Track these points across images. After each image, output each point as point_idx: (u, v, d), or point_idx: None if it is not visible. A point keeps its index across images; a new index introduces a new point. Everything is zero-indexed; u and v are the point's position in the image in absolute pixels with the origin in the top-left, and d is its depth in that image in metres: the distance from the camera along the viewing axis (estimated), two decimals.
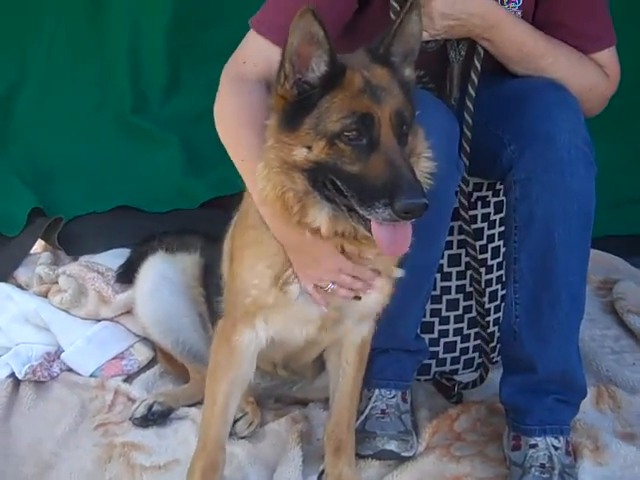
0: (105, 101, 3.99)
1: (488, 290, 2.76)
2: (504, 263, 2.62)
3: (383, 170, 1.87)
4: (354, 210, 1.91)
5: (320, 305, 2.14)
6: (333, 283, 2.10)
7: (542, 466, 2.25)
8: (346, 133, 1.90)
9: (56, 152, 3.91)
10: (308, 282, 2.12)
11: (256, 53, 2.23)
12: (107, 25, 3.94)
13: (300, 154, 1.94)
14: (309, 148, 1.93)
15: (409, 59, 2.06)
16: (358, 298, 2.14)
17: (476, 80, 2.38)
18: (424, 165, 2.05)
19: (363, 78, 1.94)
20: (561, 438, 2.31)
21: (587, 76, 2.40)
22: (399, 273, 2.19)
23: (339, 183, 1.91)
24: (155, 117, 4.00)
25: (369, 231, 1.91)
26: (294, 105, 1.96)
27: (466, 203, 2.51)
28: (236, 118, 2.19)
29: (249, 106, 2.16)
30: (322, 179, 1.93)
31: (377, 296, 2.18)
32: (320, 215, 1.99)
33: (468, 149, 2.39)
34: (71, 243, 3.54)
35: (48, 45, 3.92)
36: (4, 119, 3.90)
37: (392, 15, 2.29)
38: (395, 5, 2.28)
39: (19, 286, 3.26)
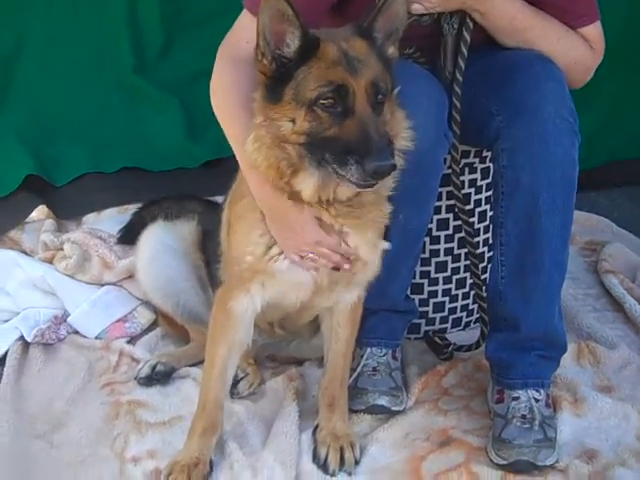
0: (105, 62, 4.02)
1: (476, 252, 2.83)
2: (491, 227, 2.71)
3: (355, 133, 1.97)
4: (334, 169, 2.00)
5: (310, 271, 2.23)
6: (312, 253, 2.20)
7: (523, 417, 2.34)
8: (322, 101, 2.00)
9: (58, 112, 3.96)
10: (290, 252, 2.21)
11: (249, 32, 2.30)
12: None
13: (287, 127, 2.03)
14: (293, 121, 2.02)
15: (392, 38, 2.13)
16: (337, 269, 2.23)
17: (465, 52, 2.43)
18: (401, 144, 2.13)
19: (339, 49, 2.03)
20: (542, 391, 2.39)
21: (573, 49, 2.45)
22: (384, 245, 2.28)
23: (325, 153, 2.00)
24: (154, 78, 4.05)
25: (357, 186, 2.00)
26: (274, 79, 2.06)
27: (458, 170, 2.58)
28: (229, 94, 2.27)
29: (241, 83, 2.23)
30: (315, 152, 2.02)
31: (366, 267, 2.27)
32: (308, 180, 2.08)
33: (459, 119, 2.45)
34: (70, 204, 3.64)
35: (48, 7, 3.95)
36: (6, 80, 3.94)
37: None
38: None
39: (24, 252, 3.33)
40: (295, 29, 2.02)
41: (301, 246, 2.20)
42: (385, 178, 2.01)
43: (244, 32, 2.29)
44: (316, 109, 2.01)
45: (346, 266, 2.22)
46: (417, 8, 2.34)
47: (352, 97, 2.00)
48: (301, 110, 2.01)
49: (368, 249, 2.24)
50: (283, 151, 2.06)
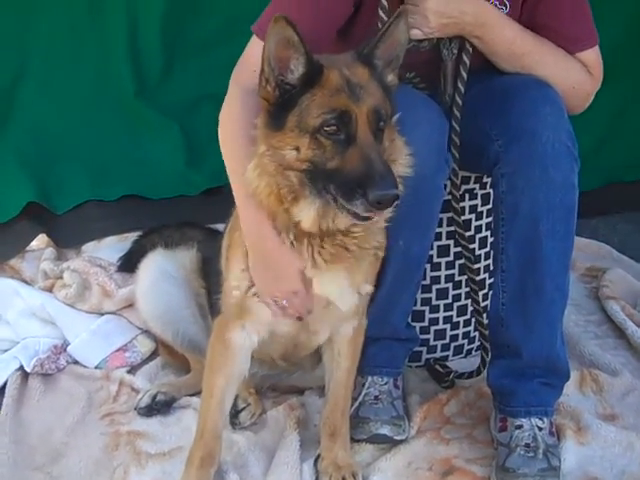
0: (106, 88, 4.04)
1: (476, 279, 2.83)
2: (492, 253, 2.73)
3: (358, 164, 1.97)
4: (339, 202, 2.01)
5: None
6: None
7: (527, 446, 2.33)
8: (326, 128, 2.00)
9: (59, 138, 3.97)
10: (264, 294, 2.23)
11: (258, 59, 2.32)
12: (106, 13, 4.00)
13: (290, 156, 2.04)
14: (297, 150, 2.03)
15: (392, 65, 2.15)
16: (300, 319, 2.27)
17: (465, 76, 2.45)
18: (400, 170, 2.13)
19: (342, 76, 2.04)
20: (545, 419, 2.38)
21: (572, 74, 2.46)
22: (367, 289, 2.30)
23: (329, 184, 2.00)
24: (154, 104, 4.07)
25: (356, 218, 2.01)
26: (277, 106, 2.06)
27: (458, 195, 2.58)
28: (235, 127, 2.27)
29: (249, 115, 2.22)
30: (317, 182, 2.03)
31: (347, 312, 2.30)
32: (308, 208, 2.09)
33: (458, 142, 2.46)
34: (71, 232, 3.64)
35: (49, 33, 3.97)
36: (7, 106, 3.96)
37: (381, 14, 2.36)
38: (382, 15, 2.35)
39: (24, 281, 3.32)
40: (300, 55, 2.03)
41: (276, 292, 2.22)
42: (387, 209, 2.00)
43: (253, 59, 2.28)
44: (319, 137, 2.01)
45: (305, 318, 2.27)
46: (416, 33, 2.36)
47: (355, 124, 2.00)
48: (304, 138, 2.02)
49: (344, 296, 2.25)
50: (286, 178, 2.07)
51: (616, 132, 4.16)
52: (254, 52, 2.32)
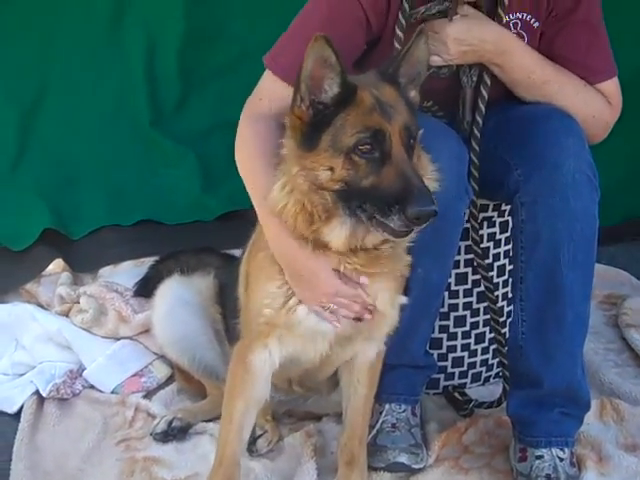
0: (122, 116, 4.06)
1: (496, 308, 2.80)
2: (510, 281, 2.71)
3: (395, 180, 1.99)
4: (374, 218, 2.01)
5: (332, 323, 2.22)
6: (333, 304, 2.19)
7: (547, 476, 2.31)
8: (360, 147, 2.01)
9: (75, 165, 3.98)
10: (309, 303, 2.21)
11: (269, 92, 2.34)
12: (124, 41, 4.02)
13: (325, 176, 2.04)
14: (331, 169, 2.03)
15: (415, 82, 2.17)
16: (359, 320, 2.22)
17: (483, 108, 2.45)
18: (430, 185, 2.12)
19: (373, 96, 2.06)
20: (566, 449, 2.36)
21: (591, 104, 2.46)
22: (402, 300, 2.28)
23: (363, 202, 2.01)
24: (170, 131, 4.09)
25: (392, 235, 2.02)
26: (310, 125, 2.07)
27: (477, 225, 2.59)
28: (251, 147, 2.30)
29: (262, 134, 2.27)
30: (351, 201, 2.04)
31: (385, 319, 2.26)
32: (340, 228, 2.09)
33: (477, 175, 2.47)
34: (87, 257, 3.65)
35: (67, 61, 3.99)
36: (25, 133, 3.97)
37: (397, 45, 2.38)
38: (400, 35, 2.37)
39: (40, 306, 3.33)
40: (336, 75, 2.04)
41: (319, 297, 2.19)
42: (424, 224, 2.00)
43: (264, 91, 2.34)
44: (353, 156, 2.02)
45: (367, 316, 2.21)
46: (436, 60, 2.37)
47: (389, 142, 2.02)
48: (339, 158, 2.02)
49: (386, 300, 2.23)
50: (321, 197, 2.07)
51: (636, 168, 4.13)
52: (265, 86, 2.39)
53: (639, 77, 3.86)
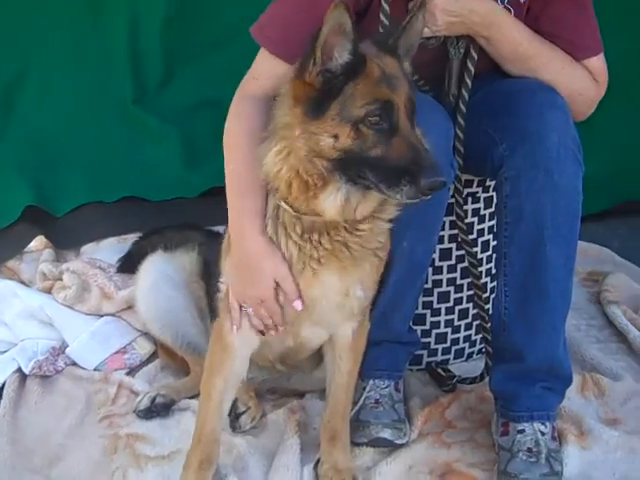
0: (105, 93, 4.05)
1: (480, 284, 2.81)
2: (494, 257, 2.72)
3: (405, 152, 1.99)
4: (379, 188, 2.01)
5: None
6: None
7: (529, 450, 2.32)
8: (369, 118, 2.00)
9: (58, 142, 3.98)
10: (235, 297, 2.23)
11: (260, 70, 2.34)
12: (106, 17, 4.01)
13: (327, 143, 2.02)
14: (335, 137, 2.01)
15: (409, 54, 2.17)
16: (262, 333, 2.27)
17: (469, 82, 2.44)
18: None
19: (379, 67, 2.05)
20: (547, 424, 2.37)
21: (577, 80, 2.45)
22: (358, 294, 2.26)
23: (364, 170, 2.00)
24: (154, 108, 4.08)
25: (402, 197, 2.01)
26: (319, 92, 2.04)
27: (461, 201, 2.58)
28: (239, 132, 2.30)
29: (252, 123, 2.25)
30: (349, 169, 2.02)
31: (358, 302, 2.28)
32: (334, 196, 2.07)
33: (462, 149, 2.46)
34: (70, 234, 3.62)
35: (48, 38, 3.98)
36: (6, 110, 3.97)
37: (382, 17, 2.35)
38: (386, 7, 2.35)
39: (23, 283, 3.32)
40: (348, 42, 2.01)
41: (246, 297, 2.23)
42: (434, 193, 2.00)
43: (256, 69, 2.33)
44: (362, 127, 2.00)
45: (272, 332, 2.27)
46: (424, 31, 2.35)
47: (397, 114, 2.01)
48: (346, 127, 2.01)
49: (333, 299, 2.23)
50: (315, 166, 2.05)
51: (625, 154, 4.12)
52: (257, 63, 2.38)
53: (627, 60, 3.87)
